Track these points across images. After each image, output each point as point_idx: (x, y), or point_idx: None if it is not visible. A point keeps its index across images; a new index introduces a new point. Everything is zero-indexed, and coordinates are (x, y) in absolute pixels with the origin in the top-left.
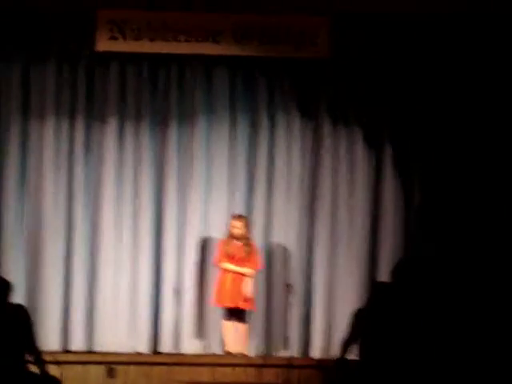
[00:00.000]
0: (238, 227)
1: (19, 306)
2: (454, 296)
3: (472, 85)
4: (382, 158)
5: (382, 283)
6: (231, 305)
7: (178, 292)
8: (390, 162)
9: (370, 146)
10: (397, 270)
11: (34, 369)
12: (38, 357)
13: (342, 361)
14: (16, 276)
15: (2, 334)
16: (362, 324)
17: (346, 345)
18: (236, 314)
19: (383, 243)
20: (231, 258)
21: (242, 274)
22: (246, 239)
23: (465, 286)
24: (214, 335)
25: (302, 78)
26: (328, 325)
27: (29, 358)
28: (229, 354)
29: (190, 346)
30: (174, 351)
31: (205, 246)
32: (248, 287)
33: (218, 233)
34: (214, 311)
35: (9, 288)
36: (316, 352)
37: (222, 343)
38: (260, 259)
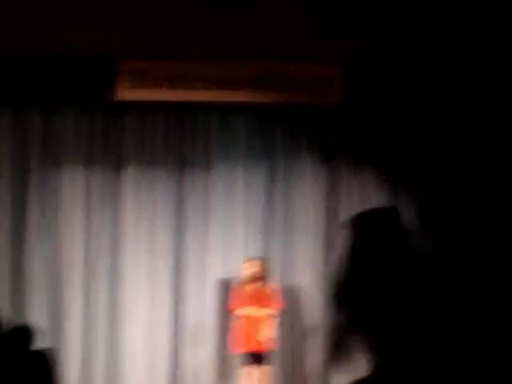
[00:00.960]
0: (253, 267)
1: (43, 352)
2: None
3: (482, 125)
4: (396, 199)
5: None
6: (248, 349)
7: (197, 338)
8: (403, 203)
9: (384, 188)
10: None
11: None
12: None
13: None
14: (38, 321)
15: (26, 380)
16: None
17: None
18: (258, 357)
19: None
20: (250, 300)
21: (260, 317)
22: (262, 280)
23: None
24: (234, 382)
25: (318, 124)
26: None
27: None
28: None
29: None
30: None
31: (224, 290)
32: (269, 329)
33: (236, 276)
34: (235, 357)
35: (31, 335)
36: None
37: None
38: (278, 300)
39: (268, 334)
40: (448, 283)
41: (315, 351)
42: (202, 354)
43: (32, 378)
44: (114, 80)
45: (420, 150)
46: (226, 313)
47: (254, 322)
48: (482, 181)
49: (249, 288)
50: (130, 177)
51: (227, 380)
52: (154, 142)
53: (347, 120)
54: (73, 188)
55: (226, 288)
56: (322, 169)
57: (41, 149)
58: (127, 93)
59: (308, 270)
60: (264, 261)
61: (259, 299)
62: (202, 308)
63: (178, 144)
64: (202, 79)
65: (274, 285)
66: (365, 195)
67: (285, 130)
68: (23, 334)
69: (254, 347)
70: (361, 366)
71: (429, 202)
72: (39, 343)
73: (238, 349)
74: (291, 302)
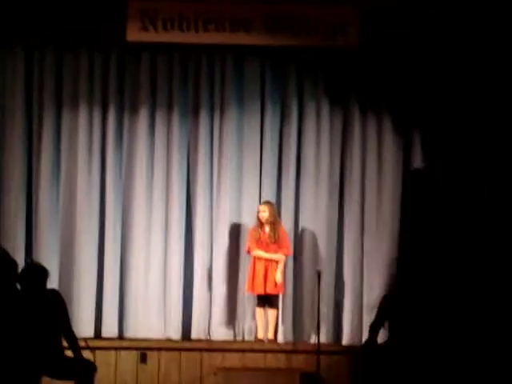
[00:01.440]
0: (264, 211)
1: (54, 291)
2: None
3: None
4: (410, 143)
5: (410, 270)
6: (263, 292)
7: (209, 279)
8: (418, 147)
9: (398, 132)
10: (424, 259)
11: (69, 352)
12: (74, 340)
13: (369, 344)
14: (50, 264)
15: (39, 317)
16: (390, 308)
17: (374, 328)
18: (267, 300)
19: (411, 229)
20: (261, 244)
21: (273, 261)
22: (273, 224)
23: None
24: (244, 322)
25: (332, 67)
26: (358, 310)
27: (64, 341)
28: (260, 340)
29: (221, 332)
30: (204, 337)
31: (235, 232)
32: (279, 273)
33: (248, 219)
34: (244, 298)
35: (46, 274)
36: (347, 338)
37: (255, 330)
38: (290, 245)
39: (279, 277)
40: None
41: (325, 295)
42: (213, 294)
43: (45, 315)
44: (125, 20)
45: (436, 95)
46: (237, 255)
47: (269, 264)
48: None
49: (262, 231)
50: (145, 118)
51: (237, 320)
52: (168, 84)
53: (362, 63)
54: (87, 130)
55: (237, 230)
56: (336, 112)
57: (54, 90)
58: (138, 34)
59: (320, 215)
60: (274, 205)
61: (271, 242)
62: (214, 249)
63: (192, 86)
64: (214, 21)
65: (284, 229)
66: (379, 139)
67: (299, 73)
68: (36, 272)
69: (267, 290)
70: None
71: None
72: (51, 283)
73: (252, 291)
74: (301, 246)
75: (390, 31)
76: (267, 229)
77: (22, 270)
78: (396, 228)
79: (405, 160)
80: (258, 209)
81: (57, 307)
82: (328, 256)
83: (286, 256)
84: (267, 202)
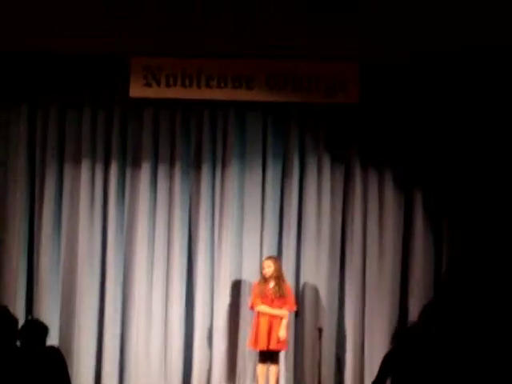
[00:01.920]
0: (270, 266)
1: (53, 348)
2: (484, 346)
3: (501, 125)
4: (411, 200)
5: (413, 328)
6: (266, 348)
7: (209, 336)
8: (419, 204)
9: (399, 188)
10: (426, 316)
11: None
12: None
13: None
14: (50, 321)
15: (38, 375)
16: (392, 368)
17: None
18: (270, 356)
19: (413, 286)
20: (265, 299)
21: (277, 316)
22: (278, 279)
23: (493, 336)
24: (245, 379)
25: (332, 124)
26: (360, 368)
27: None
28: None
29: None
30: None
31: (236, 289)
32: (283, 329)
33: (249, 276)
34: (245, 355)
35: (46, 331)
36: None
37: None
38: (294, 301)
39: (283, 333)
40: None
41: (326, 352)
42: (215, 353)
43: (44, 374)
44: (128, 77)
45: (437, 150)
46: (238, 311)
47: (273, 320)
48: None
49: (266, 286)
50: (147, 174)
51: (238, 377)
52: (170, 139)
53: (362, 119)
54: (89, 186)
55: (238, 287)
56: (337, 168)
57: (58, 146)
58: (141, 90)
59: (321, 273)
60: (279, 260)
61: (275, 298)
62: (215, 306)
63: (194, 141)
64: (216, 77)
65: (288, 284)
66: (380, 196)
67: (300, 129)
68: (36, 329)
69: (270, 346)
70: None
71: (445, 203)
72: (51, 340)
73: (255, 346)
74: (303, 303)
75: (390, 86)
76: (271, 284)
77: (22, 327)
78: (397, 286)
79: (406, 217)
80: (263, 265)
81: (56, 365)
82: (329, 313)
83: (291, 312)
84: (272, 257)
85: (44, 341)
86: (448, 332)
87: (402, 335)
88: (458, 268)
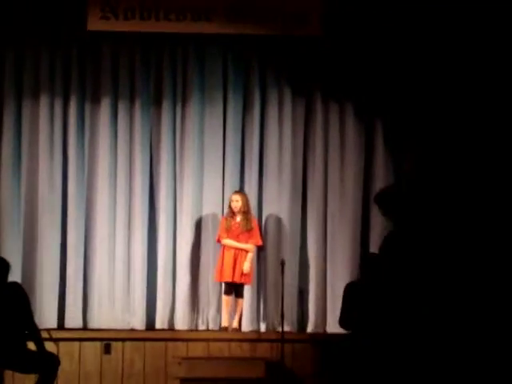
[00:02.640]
0: (237, 200)
1: (15, 284)
2: (442, 271)
3: (459, 62)
4: (372, 133)
5: (373, 256)
6: (231, 280)
7: (172, 269)
8: (380, 137)
9: (360, 121)
10: (386, 243)
11: (31, 345)
12: (36, 333)
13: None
14: (13, 256)
15: (0, 311)
16: (354, 297)
17: (342, 319)
18: (234, 289)
19: (374, 217)
20: (232, 233)
21: (243, 250)
22: (245, 214)
23: (452, 262)
24: (208, 311)
25: (294, 56)
26: (322, 300)
27: (27, 334)
28: (225, 328)
29: (185, 321)
30: (168, 327)
31: (198, 224)
32: (248, 263)
33: (211, 211)
34: (208, 288)
35: (7, 267)
36: (311, 327)
37: (220, 319)
38: (260, 236)
39: (248, 267)
40: (436, 257)
41: (289, 284)
42: (176, 284)
43: (6, 309)
44: (86, 10)
45: (398, 83)
46: (200, 245)
47: (238, 254)
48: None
49: (233, 220)
50: (107, 110)
51: (201, 309)
52: (129, 74)
53: (324, 52)
54: (48, 121)
55: (200, 221)
56: (299, 101)
57: (16, 83)
58: (99, 23)
59: (283, 206)
60: (246, 195)
61: (242, 232)
62: (177, 240)
63: (154, 76)
64: (175, 10)
65: (255, 219)
66: (342, 129)
67: (261, 62)
68: None
69: (235, 278)
70: None
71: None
72: (14, 276)
73: (220, 279)
74: (266, 237)
75: (353, 17)
76: (238, 218)
77: None
78: (359, 215)
79: (366, 147)
80: (231, 198)
81: (19, 300)
82: (292, 246)
83: (257, 246)
84: (240, 192)
85: (5, 277)
86: (406, 261)
87: (362, 265)
88: (417, 195)
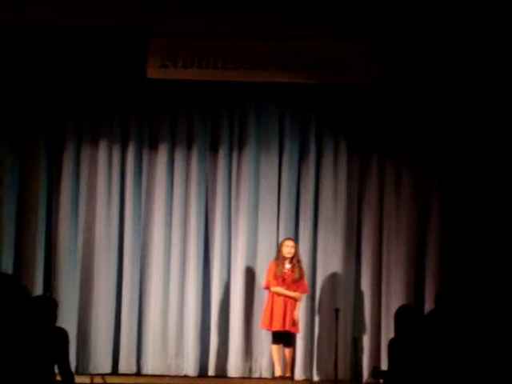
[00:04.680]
0: (292, 246)
1: (61, 330)
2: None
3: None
4: (428, 187)
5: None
6: (282, 329)
7: (226, 316)
8: (436, 190)
9: (416, 174)
10: (439, 299)
11: None
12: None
13: None
14: (69, 300)
15: (39, 351)
16: (398, 353)
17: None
18: (284, 337)
19: (429, 266)
20: (281, 280)
21: (292, 298)
22: (297, 261)
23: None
24: (261, 359)
25: (351, 107)
26: (376, 350)
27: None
28: (279, 377)
29: (238, 369)
30: (221, 374)
31: (251, 270)
32: (297, 311)
33: (264, 259)
34: (261, 335)
35: (56, 308)
36: (365, 376)
37: (272, 367)
38: (307, 283)
39: (296, 316)
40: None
41: (340, 334)
42: (232, 335)
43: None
44: (146, 58)
45: (453, 133)
46: (253, 292)
47: (288, 302)
48: None
49: (283, 267)
50: (164, 156)
51: (254, 357)
52: (188, 121)
53: (380, 103)
54: (106, 166)
55: (253, 268)
56: (354, 153)
57: (76, 128)
58: (158, 71)
59: (333, 256)
60: (296, 242)
61: (292, 280)
62: (230, 287)
63: (212, 123)
64: (232, 58)
65: (303, 268)
66: (398, 182)
67: (318, 112)
68: (46, 305)
69: (285, 327)
70: None
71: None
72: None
73: (269, 327)
74: (318, 286)
75: (411, 70)
76: (289, 265)
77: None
78: (413, 266)
79: (421, 199)
80: (284, 243)
81: (60, 346)
82: (346, 294)
83: (304, 294)
84: (292, 239)
85: (55, 316)
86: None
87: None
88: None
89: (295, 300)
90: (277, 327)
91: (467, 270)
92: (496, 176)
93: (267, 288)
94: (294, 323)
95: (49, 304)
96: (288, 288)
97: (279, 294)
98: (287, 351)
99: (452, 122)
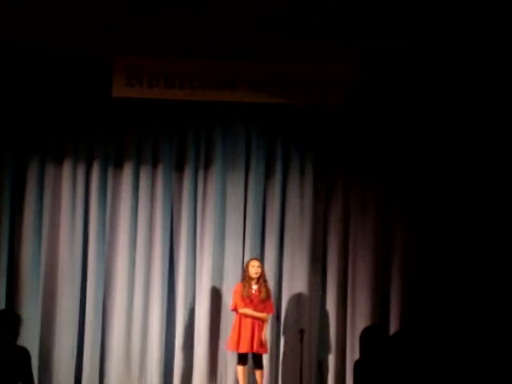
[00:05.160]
0: (259, 266)
1: (23, 349)
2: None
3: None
4: (390, 203)
5: (384, 334)
6: (250, 350)
7: (190, 338)
8: (401, 208)
9: (379, 192)
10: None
11: None
12: None
13: None
14: (32, 319)
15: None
16: (364, 374)
17: None
18: (255, 360)
19: (394, 287)
20: (249, 301)
21: (259, 319)
22: (263, 281)
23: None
24: (225, 380)
25: (317, 128)
26: (342, 371)
27: None
28: None
29: None
30: None
31: (217, 290)
32: (265, 332)
33: (230, 279)
34: (226, 356)
35: (17, 324)
36: None
37: None
38: (273, 304)
39: (264, 337)
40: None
41: (305, 355)
42: (196, 355)
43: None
44: (111, 76)
45: (422, 157)
46: (218, 313)
47: (255, 323)
48: (486, 187)
49: (250, 287)
50: (129, 175)
51: (218, 378)
52: (153, 140)
53: (346, 125)
54: (71, 184)
55: (219, 289)
56: (320, 172)
57: (40, 147)
58: (124, 90)
59: (299, 276)
60: (262, 262)
61: (259, 301)
62: (195, 308)
63: (178, 142)
64: (199, 78)
65: (270, 288)
66: (363, 200)
67: (284, 132)
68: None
69: (253, 348)
70: None
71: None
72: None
73: (236, 349)
74: (284, 306)
75: (378, 93)
76: (254, 286)
77: None
78: (377, 284)
79: (386, 216)
80: (250, 264)
81: (23, 365)
82: (310, 316)
83: (270, 315)
84: (258, 259)
85: (17, 331)
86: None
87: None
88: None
89: (263, 321)
90: (244, 349)
91: (432, 291)
92: (459, 196)
93: (235, 310)
94: (263, 344)
95: (12, 319)
96: (255, 309)
97: (247, 316)
98: (258, 374)
99: (415, 141)
